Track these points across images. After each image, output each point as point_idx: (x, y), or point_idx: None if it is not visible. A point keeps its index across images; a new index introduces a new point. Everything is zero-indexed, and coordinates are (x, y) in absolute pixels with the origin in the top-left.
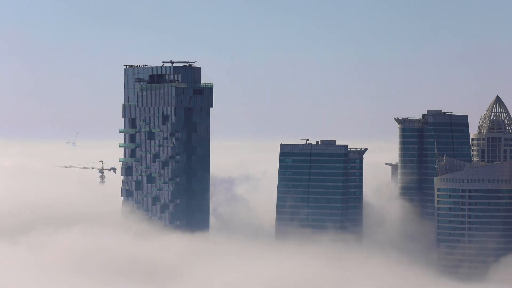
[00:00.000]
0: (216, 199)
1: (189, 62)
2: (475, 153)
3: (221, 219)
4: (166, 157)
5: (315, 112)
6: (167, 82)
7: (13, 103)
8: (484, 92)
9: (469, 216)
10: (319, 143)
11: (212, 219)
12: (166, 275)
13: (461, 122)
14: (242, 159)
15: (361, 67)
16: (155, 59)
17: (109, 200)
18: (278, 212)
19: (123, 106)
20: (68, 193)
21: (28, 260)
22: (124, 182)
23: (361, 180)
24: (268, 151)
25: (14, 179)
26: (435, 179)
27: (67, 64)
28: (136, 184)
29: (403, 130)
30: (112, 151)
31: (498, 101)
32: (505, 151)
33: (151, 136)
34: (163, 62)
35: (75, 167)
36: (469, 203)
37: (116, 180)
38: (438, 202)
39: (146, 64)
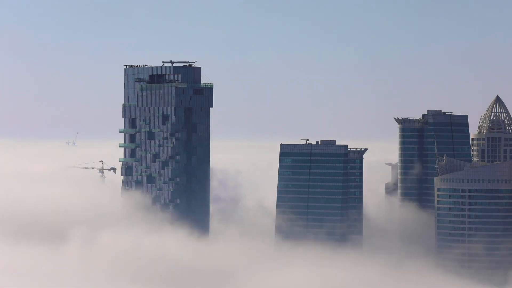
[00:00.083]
0: (216, 194)
1: (189, 62)
2: (475, 153)
3: (222, 211)
4: (166, 157)
5: (315, 112)
6: (167, 82)
7: (13, 103)
8: (484, 92)
9: (469, 216)
10: (319, 143)
11: (212, 220)
12: (221, 279)
13: (461, 122)
14: (242, 159)
15: (361, 67)
16: (155, 59)
17: (128, 200)
18: (278, 212)
19: (123, 106)
20: (80, 194)
21: (74, 264)
22: (124, 182)
23: (361, 180)
24: (268, 151)
25: (24, 181)
26: (435, 179)
27: (67, 64)
28: (136, 184)
29: (403, 130)
30: (112, 151)
31: (498, 101)
32: (505, 151)
33: (151, 136)
34: (163, 62)
35: (75, 167)
36: (469, 203)
37: (116, 180)
38: (438, 202)
39: (146, 64)
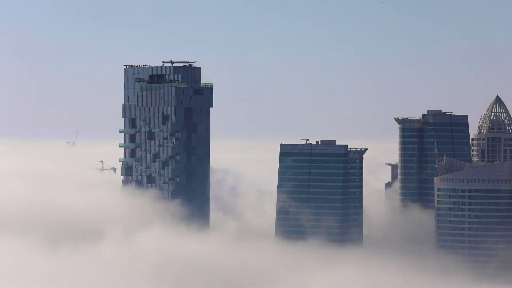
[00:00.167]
0: (216, 195)
1: (189, 62)
2: (475, 153)
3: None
4: (166, 157)
5: (315, 112)
6: (167, 82)
7: (13, 103)
8: (484, 92)
9: (469, 216)
10: (319, 143)
11: (212, 220)
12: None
13: (461, 122)
14: (242, 159)
15: (361, 67)
16: (155, 59)
17: (143, 201)
18: (278, 212)
19: (123, 106)
20: (90, 195)
21: (115, 266)
22: (124, 182)
23: (361, 180)
24: (268, 151)
25: (37, 182)
26: (435, 179)
27: (67, 64)
28: (136, 184)
29: (403, 130)
30: (112, 151)
31: (498, 101)
32: (505, 151)
33: (151, 136)
34: (163, 62)
35: (91, 168)
36: (469, 203)
37: (116, 179)
38: (438, 202)
39: (146, 64)
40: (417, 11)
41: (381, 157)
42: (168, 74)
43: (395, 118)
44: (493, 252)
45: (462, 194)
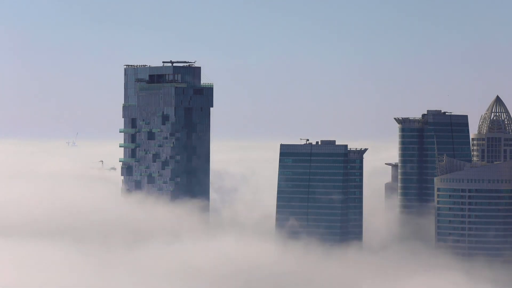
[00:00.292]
0: (216, 198)
1: (189, 62)
2: (475, 153)
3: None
4: (166, 157)
5: (315, 112)
6: (167, 82)
7: (13, 103)
8: (484, 92)
9: (469, 216)
10: (319, 143)
11: (212, 220)
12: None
13: (461, 122)
14: (242, 159)
15: (362, 67)
16: (155, 59)
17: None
18: (278, 212)
19: (123, 106)
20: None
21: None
22: (124, 182)
23: (361, 180)
24: (268, 151)
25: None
26: (435, 179)
27: (67, 64)
28: (136, 184)
29: (403, 130)
30: (112, 151)
31: (498, 101)
32: (505, 151)
33: (151, 136)
34: (163, 62)
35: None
36: (469, 203)
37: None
38: (438, 202)
39: (146, 64)
40: (417, 11)
41: (381, 157)
42: (168, 74)
43: (395, 118)
44: (493, 252)
45: (462, 194)
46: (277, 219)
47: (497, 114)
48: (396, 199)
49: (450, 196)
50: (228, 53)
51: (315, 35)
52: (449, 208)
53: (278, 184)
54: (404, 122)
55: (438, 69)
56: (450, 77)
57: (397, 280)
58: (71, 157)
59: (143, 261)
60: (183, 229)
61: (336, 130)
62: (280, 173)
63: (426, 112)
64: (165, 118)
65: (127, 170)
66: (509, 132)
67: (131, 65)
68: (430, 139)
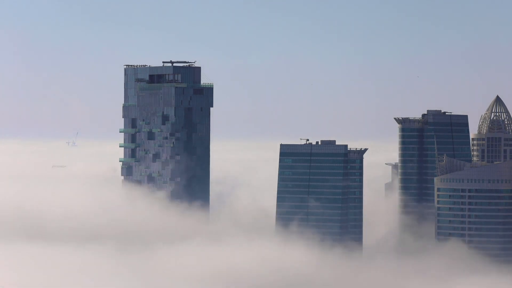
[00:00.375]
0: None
1: (189, 62)
2: (475, 153)
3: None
4: (166, 157)
5: (315, 112)
6: (167, 82)
7: (13, 103)
8: (484, 92)
9: (469, 216)
10: (319, 143)
11: (212, 220)
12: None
13: (461, 122)
14: (242, 159)
15: (362, 67)
16: (155, 59)
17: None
18: (278, 212)
19: (123, 106)
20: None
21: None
22: (124, 182)
23: (361, 180)
24: (268, 151)
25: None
26: (435, 179)
27: (67, 64)
28: (136, 184)
29: (403, 130)
30: (112, 151)
31: (498, 101)
32: (505, 151)
33: (151, 136)
34: (163, 62)
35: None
36: (469, 203)
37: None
38: (438, 202)
39: (146, 64)
40: (417, 11)
41: (381, 157)
42: (168, 74)
43: (395, 118)
44: (494, 252)
45: (462, 194)
46: (277, 219)
47: (497, 114)
48: (396, 199)
49: (450, 196)
50: (228, 53)
51: (315, 35)
52: (449, 208)
53: (278, 184)
54: (404, 122)
55: (438, 69)
56: (450, 77)
57: (398, 279)
58: (73, 156)
59: (178, 264)
60: (191, 231)
61: (336, 130)
62: (280, 173)
63: (426, 112)
64: (165, 118)
65: (127, 170)
66: (509, 132)
67: (131, 65)
68: (430, 139)
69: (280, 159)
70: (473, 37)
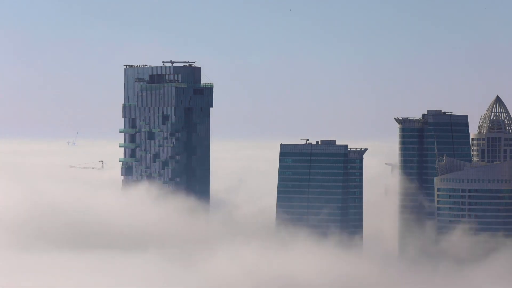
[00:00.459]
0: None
1: (189, 62)
2: (475, 153)
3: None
4: (166, 157)
5: (315, 112)
6: (167, 82)
7: (13, 103)
8: (484, 92)
9: (469, 216)
10: (319, 143)
11: (212, 220)
12: None
13: (461, 122)
14: (242, 159)
15: (362, 67)
16: (155, 59)
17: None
18: (278, 212)
19: (123, 106)
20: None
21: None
22: (124, 182)
23: (361, 180)
24: (268, 151)
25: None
26: (435, 179)
27: (67, 64)
28: (136, 184)
29: (403, 130)
30: (112, 151)
31: (498, 101)
32: (505, 151)
33: (151, 136)
34: (163, 62)
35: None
36: (469, 203)
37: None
38: (438, 202)
39: (146, 64)
40: (417, 11)
41: (381, 157)
42: (168, 74)
43: (395, 118)
44: (493, 252)
45: (462, 194)
46: (277, 219)
47: (497, 114)
48: (396, 199)
49: (450, 196)
50: (228, 53)
51: (315, 35)
52: (449, 208)
53: (278, 184)
54: (404, 122)
55: (438, 69)
56: (450, 77)
57: (398, 279)
58: (73, 156)
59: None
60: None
61: (336, 130)
62: (280, 173)
63: (426, 112)
64: (165, 118)
65: (127, 170)
66: (509, 132)
67: (131, 65)
68: (430, 139)
69: (280, 159)
70: (473, 37)
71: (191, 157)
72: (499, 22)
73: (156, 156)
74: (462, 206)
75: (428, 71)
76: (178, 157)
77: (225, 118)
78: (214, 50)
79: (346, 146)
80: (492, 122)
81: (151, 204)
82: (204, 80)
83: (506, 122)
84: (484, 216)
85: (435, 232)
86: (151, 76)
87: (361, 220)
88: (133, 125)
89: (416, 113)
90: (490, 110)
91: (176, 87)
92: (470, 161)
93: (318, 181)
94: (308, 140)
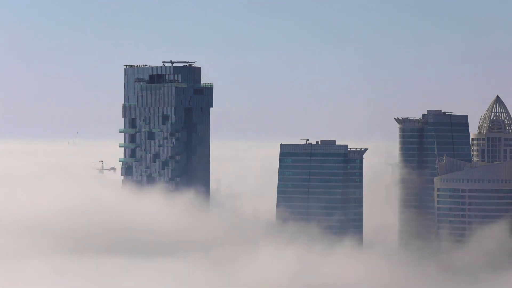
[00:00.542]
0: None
1: (189, 62)
2: (475, 153)
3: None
4: (166, 157)
5: (315, 112)
6: (167, 82)
7: (13, 103)
8: (484, 92)
9: (469, 216)
10: (319, 143)
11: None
12: None
13: (461, 122)
14: (242, 159)
15: (361, 67)
16: (155, 59)
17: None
18: (278, 212)
19: (123, 106)
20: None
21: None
22: (124, 182)
23: (361, 180)
24: (268, 151)
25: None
26: (435, 179)
27: (67, 64)
28: (136, 184)
29: (403, 130)
30: (112, 151)
31: (498, 101)
32: (505, 151)
33: (151, 136)
34: (163, 62)
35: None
36: (469, 203)
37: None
38: (438, 202)
39: (146, 64)
40: (417, 11)
41: (381, 157)
42: (168, 74)
43: (395, 118)
44: (493, 252)
45: (462, 194)
46: (277, 219)
47: (497, 114)
48: (396, 199)
49: (450, 196)
50: (228, 53)
51: (315, 35)
52: (449, 208)
53: (278, 184)
54: (404, 122)
55: (438, 69)
56: (450, 77)
57: (397, 279)
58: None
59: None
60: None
61: (336, 130)
62: (280, 173)
63: (426, 112)
64: (165, 118)
65: (127, 170)
66: (509, 132)
67: (131, 65)
68: (430, 139)
69: (280, 159)
70: (473, 37)
71: (191, 157)
72: (499, 22)
73: (156, 156)
74: (462, 206)
75: (428, 71)
76: (178, 157)
77: (225, 118)
78: (214, 50)
79: (346, 146)
80: (492, 122)
81: (197, 212)
82: (204, 80)
83: (506, 122)
84: (484, 216)
85: (435, 232)
86: (151, 76)
87: (361, 220)
88: (133, 125)
89: (416, 113)
90: (490, 110)
91: (176, 87)
92: (470, 161)
93: (318, 181)
94: (308, 140)
